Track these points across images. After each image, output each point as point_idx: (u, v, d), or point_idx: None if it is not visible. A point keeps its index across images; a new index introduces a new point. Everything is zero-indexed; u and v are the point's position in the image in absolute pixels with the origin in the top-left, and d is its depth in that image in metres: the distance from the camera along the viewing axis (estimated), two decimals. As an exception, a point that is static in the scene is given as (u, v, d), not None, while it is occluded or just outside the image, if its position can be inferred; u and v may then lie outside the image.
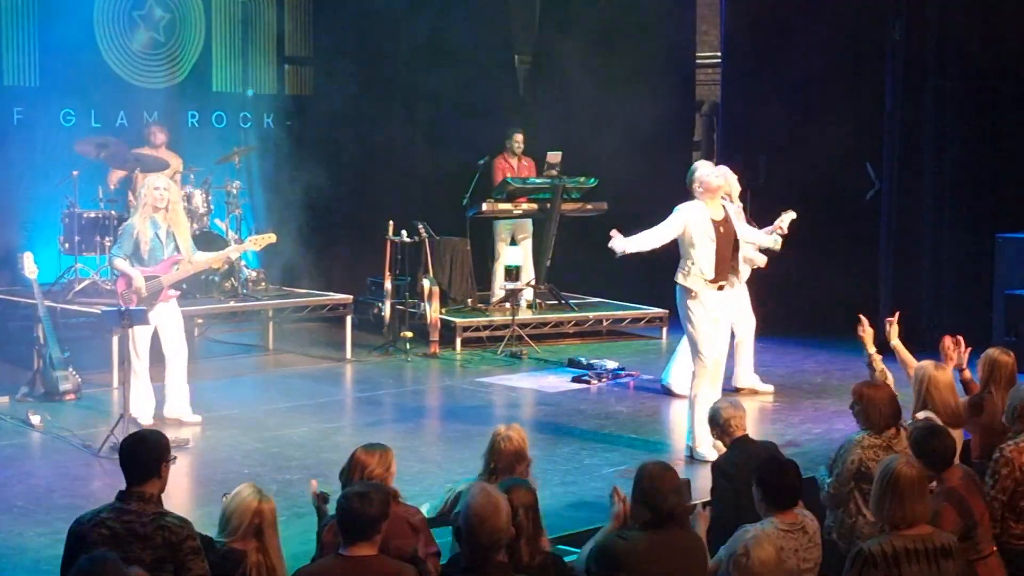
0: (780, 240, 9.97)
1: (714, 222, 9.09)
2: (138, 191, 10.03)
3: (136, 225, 9.80)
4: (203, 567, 5.05)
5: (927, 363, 7.22)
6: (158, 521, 5.02)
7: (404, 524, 5.57)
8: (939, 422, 6.75)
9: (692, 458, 8.97)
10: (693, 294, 9.05)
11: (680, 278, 9.12)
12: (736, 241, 9.20)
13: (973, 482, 6.22)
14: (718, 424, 6.96)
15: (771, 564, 4.85)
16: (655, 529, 5.33)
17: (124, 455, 5.24)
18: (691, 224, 9.05)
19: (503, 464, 6.04)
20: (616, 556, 5.28)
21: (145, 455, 5.19)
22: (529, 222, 14.21)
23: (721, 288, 9.14)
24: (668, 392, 10.89)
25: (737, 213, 9.29)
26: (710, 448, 8.64)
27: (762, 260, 10.80)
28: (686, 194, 9.33)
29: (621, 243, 9.13)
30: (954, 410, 6.97)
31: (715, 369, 9.12)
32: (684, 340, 10.28)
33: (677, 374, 10.77)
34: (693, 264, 9.05)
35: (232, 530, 5.24)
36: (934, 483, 6.19)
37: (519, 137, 14.24)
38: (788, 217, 10.63)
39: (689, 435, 9.13)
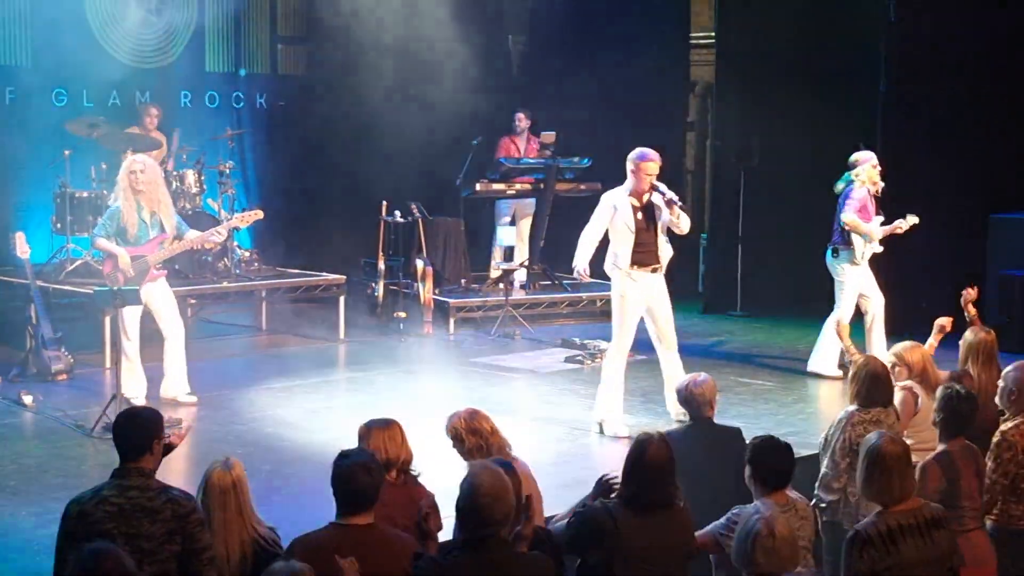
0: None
1: (634, 208, 9.15)
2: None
3: (121, 207, 9.77)
4: (209, 538, 5.11)
5: (903, 344, 7.33)
6: (166, 495, 5.07)
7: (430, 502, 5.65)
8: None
9: (602, 434, 9.11)
10: (621, 278, 9.17)
11: (608, 263, 9.28)
12: (656, 228, 9.21)
13: (971, 457, 6.25)
14: (683, 400, 6.96)
15: (791, 538, 4.90)
16: (643, 511, 5.34)
17: (118, 432, 5.25)
18: (614, 212, 9.14)
19: (461, 440, 6.04)
20: (602, 531, 5.30)
21: (140, 431, 5.21)
22: (532, 202, 14.19)
23: (655, 271, 9.23)
24: (817, 376, 10.85)
25: (659, 204, 9.23)
26: (621, 426, 8.95)
27: (878, 243, 10.85)
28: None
29: (580, 264, 9.31)
30: (937, 383, 7.03)
31: (628, 347, 9.32)
32: (827, 324, 10.36)
33: (820, 358, 10.86)
34: (616, 252, 9.18)
35: (213, 511, 5.26)
36: (932, 446, 6.28)
37: (521, 116, 14.22)
38: (911, 219, 10.90)
39: (598, 412, 9.28)
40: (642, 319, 9.31)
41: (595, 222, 9.28)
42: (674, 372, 9.21)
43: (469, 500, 4.79)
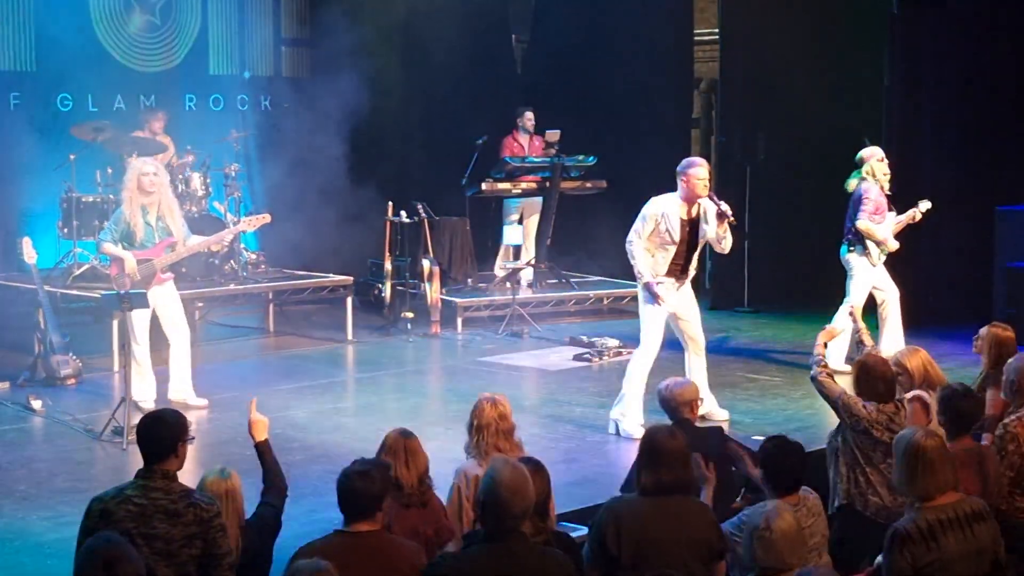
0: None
1: (683, 221, 9.08)
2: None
3: (126, 211, 9.76)
4: (229, 544, 5.14)
5: (902, 350, 7.30)
6: (188, 498, 5.10)
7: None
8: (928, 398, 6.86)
9: (617, 434, 9.04)
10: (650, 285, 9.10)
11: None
12: (696, 243, 9.18)
13: (975, 458, 6.23)
14: (662, 401, 6.94)
15: (792, 534, 4.89)
16: (659, 496, 5.35)
17: (143, 434, 5.28)
18: (662, 219, 9.03)
19: (484, 422, 6.11)
20: (617, 517, 5.32)
21: (164, 433, 5.23)
22: (538, 201, 14.18)
23: (680, 280, 9.20)
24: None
25: (710, 208, 9.17)
26: (636, 426, 8.80)
27: (894, 245, 10.84)
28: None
29: (660, 291, 9.08)
30: (942, 382, 7.03)
31: (655, 355, 9.22)
32: (835, 318, 10.33)
33: (832, 352, 10.82)
34: (651, 258, 9.09)
35: None
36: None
37: (529, 115, 14.21)
38: (924, 205, 10.95)
39: (616, 409, 9.22)
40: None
41: (643, 229, 9.07)
42: (700, 374, 9.23)
43: (489, 495, 4.82)
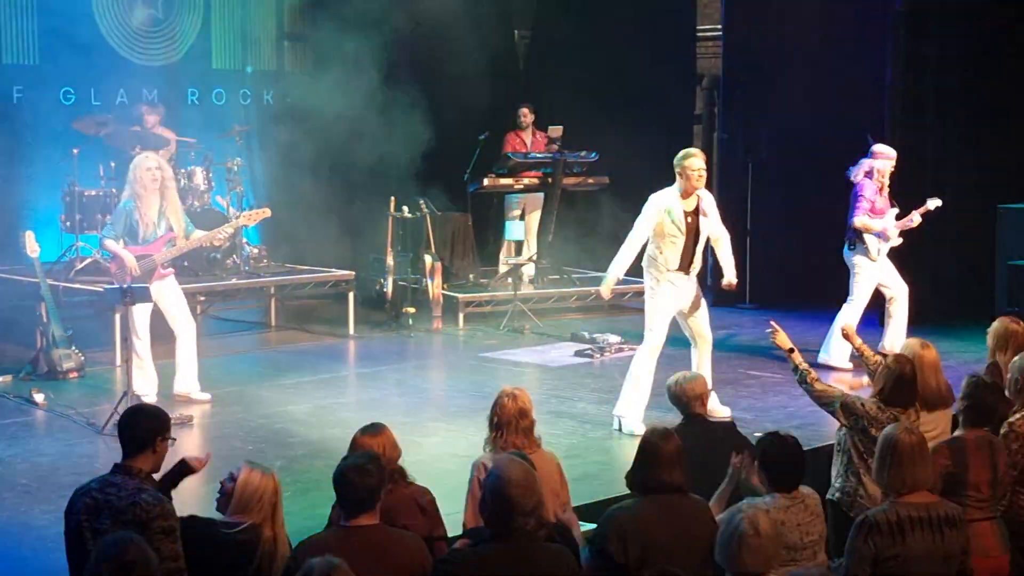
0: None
1: (685, 213, 9.07)
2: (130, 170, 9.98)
3: (128, 206, 9.76)
4: (174, 549, 5.00)
5: (914, 341, 7.24)
6: (133, 497, 5.01)
7: (413, 505, 5.62)
8: None
9: (620, 431, 9.04)
10: (658, 279, 9.10)
11: (647, 263, 9.19)
12: (699, 233, 9.15)
13: (987, 448, 6.20)
14: (673, 397, 6.94)
15: (776, 537, 4.84)
16: (655, 494, 5.39)
17: (120, 426, 5.29)
18: (665, 215, 9.03)
19: (505, 419, 6.10)
20: (619, 525, 5.33)
21: (138, 428, 5.21)
22: (540, 196, 14.19)
23: (689, 274, 9.19)
24: (827, 368, 10.67)
25: (710, 204, 9.18)
26: (639, 423, 8.80)
27: (896, 237, 10.90)
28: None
29: (608, 284, 9.24)
30: (934, 391, 6.96)
31: (658, 351, 9.21)
32: (839, 316, 10.43)
33: (831, 350, 10.86)
34: (660, 253, 9.07)
35: (249, 511, 5.18)
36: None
37: (525, 110, 14.21)
38: (933, 203, 11.04)
39: (619, 406, 9.21)
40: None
41: (643, 226, 9.07)
42: (706, 371, 9.21)
43: (498, 491, 4.80)
